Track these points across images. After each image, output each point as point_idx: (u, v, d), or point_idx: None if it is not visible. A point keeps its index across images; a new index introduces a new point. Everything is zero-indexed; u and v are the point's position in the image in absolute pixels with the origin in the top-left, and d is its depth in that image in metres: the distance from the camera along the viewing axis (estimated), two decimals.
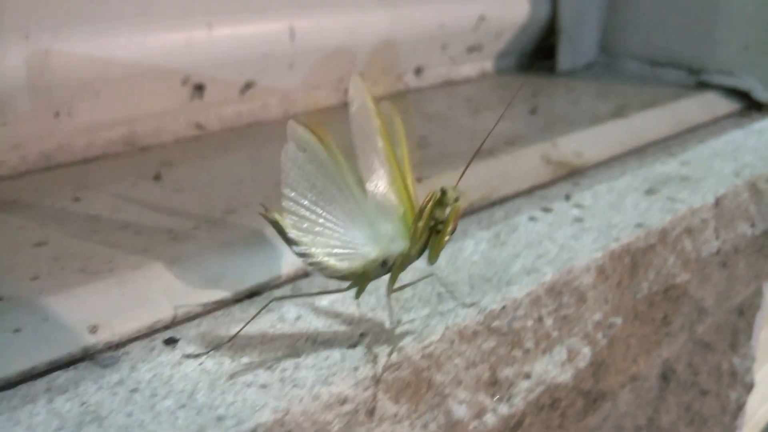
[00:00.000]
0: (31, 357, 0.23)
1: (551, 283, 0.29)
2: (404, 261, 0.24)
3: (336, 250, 0.23)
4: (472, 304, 0.27)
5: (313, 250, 0.23)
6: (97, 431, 0.20)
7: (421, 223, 0.23)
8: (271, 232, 0.30)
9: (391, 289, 0.24)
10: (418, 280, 0.27)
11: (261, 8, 0.48)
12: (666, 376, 0.52)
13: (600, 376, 0.34)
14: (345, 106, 0.58)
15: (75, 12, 0.38)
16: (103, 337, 0.24)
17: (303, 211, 0.23)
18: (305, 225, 0.23)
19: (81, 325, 0.24)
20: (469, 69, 0.65)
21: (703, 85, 0.62)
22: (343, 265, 0.23)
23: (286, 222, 0.23)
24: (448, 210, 0.23)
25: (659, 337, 0.39)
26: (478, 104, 0.54)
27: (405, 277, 0.26)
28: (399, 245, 0.24)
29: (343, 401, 0.22)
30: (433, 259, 0.24)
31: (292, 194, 0.23)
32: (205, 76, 0.45)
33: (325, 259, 0.23)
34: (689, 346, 0.54)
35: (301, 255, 0.23)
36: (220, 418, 0.20)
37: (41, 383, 0.22)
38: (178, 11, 0.43)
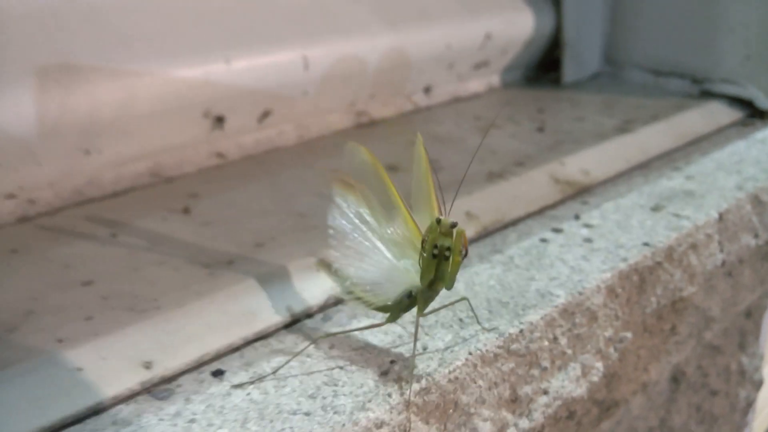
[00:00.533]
0: (95, 393, 0.25)
1: (564, 305, 0.31)
2: (423, 292, 0.26)
3: (369, 287, 0.26)
4: (492, 329, 0.29)
5: (353, 288, 0.25)
6: None
7: (425, 254, 0.25)
8: (297, 266, 0.32)
9: (418, 316, 0.26)
10: (451, 304, 0.29)
11: (275, 40, 0.50)
12: (676, 378, 0.54)
13: (612, 387, 0.36)
14: (357, 127, 0.60)
15: (101, 54, 0.41)
16: (157, 372, 0.26)
17: (344, 254, 0.26)
18: (346, 266, 0.26)
19: (136, 362, 0.26)
20: (476, 85, 0.67)
21: (706, 95, 0.64)
22: (378, 299, 0.26)
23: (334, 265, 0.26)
24: (440, 236, 0.25)
25: (668, 345, 0.41)
26: (486, 122, 0.56)
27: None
28: (407, 279, 0.26)
29: (380, 425, 0.24)
30: (448, 285, 0.25)
31: (335, 242, 0.26)
32: (224, 107, 0.47)
33: (363, 295, 0.25)
34: (698, 351, 0.56)
35: (346, 292, 0.26)
36: None
37: (106, 417, 0.25)
38: (197, 47, 0.46)
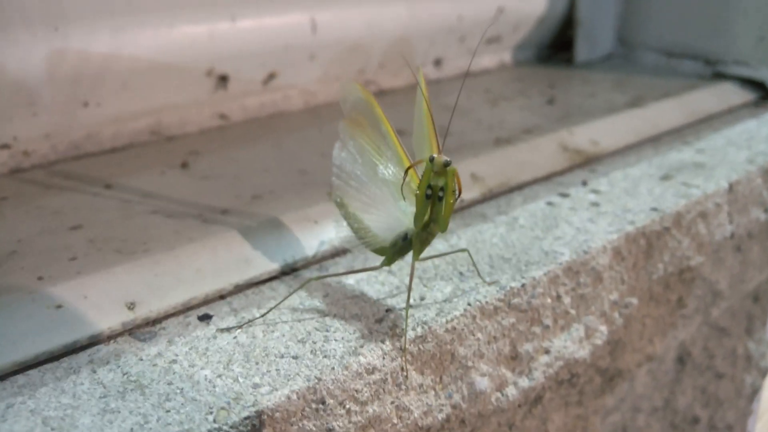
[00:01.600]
0: (74, 331, 0.24)
1: (569, 263, 0.30)
2: (418, 234, 0.25)
3: (368, 226, 0.25)
4: (492, 283, 0.27)
5: (355, 225, 0.26)
6: (140, 398, 0.21)
7: (417, 193, 0.24)
8: (294, 217, 0.31)
9: (413, 260, 0.25)
10: (450, 253, 0.28)
11: (283, 0, 0.49)
12: (682, 359, 0.53)
13: (617, 355, 0.35)
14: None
15: (102, 5, 0.40)
16: (140, 313, 0.25)
17: (347, 191, 0.26)
18: (349, 203, 0.26)
19: (119, 302, 0.25)
20: (487, 60, 0.65)
21: (719, 76, 0.63)
22: (375, 240, 0.25)
23: (343, 201, 0.26)
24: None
25: (674, 318, 0.40)
26: (496, 96, 0.55)
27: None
28: (405, 221, 0.25)
29: (372, 371, 0.23)
30: (441, 227, 0.24)
31: (342, 175, 0.25)
32: (228, 67, 0.46)
33: (363, 233, 0.25)
34: (705, 331, 0.55)
35: (354, 230, 0.26)
36: (255, 386, 0.22)
37: (84, 356, 0.24)
38: (202, 3, 0.44)
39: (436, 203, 0.23)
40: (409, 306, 0.25)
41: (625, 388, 0.49)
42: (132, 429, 0.20)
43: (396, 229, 0.25)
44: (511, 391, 0.28)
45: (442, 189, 0.23)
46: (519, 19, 0.65)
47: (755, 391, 0.65)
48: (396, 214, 0.25)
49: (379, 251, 0.26)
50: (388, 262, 0.26)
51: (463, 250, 0.29)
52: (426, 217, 0.24)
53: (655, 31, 0.68)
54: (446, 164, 0.23)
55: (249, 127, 0.48)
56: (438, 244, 0.31)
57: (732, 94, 0.59)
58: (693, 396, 0.55)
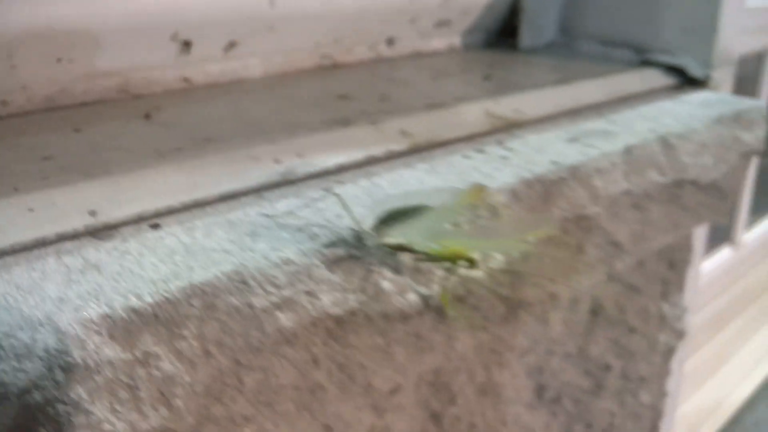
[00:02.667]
0: (43, 229, 0.29)
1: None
2: None
3: None
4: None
5: None
6: (97, 274, 0.26)
7: None
8: (240, 154, 0.37)
9: None
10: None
11: None
12: (595, 311, 0.59)
13: (517, 286, 0.41)
14: (320, 68, 0.64)
15: None
16: (101, 219, 0.30)
17: None
18: None
19: (82, 210, 0.30)
20: (437, 43, 0.71)
21: (646, 63, 0.69)
22: None
23: None
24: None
25: (576, 264, 0.46)
26: (439, 72, 0.61)
27: None
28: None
29: (288, 263, 0.28)
30: None
31: None
32: (192, 33, 0.51)
33: None
34: (618, 288, 0.61)
35: None
36: (190, 268, 0.27)
37: (51, 248, 0.29)
38: None
39: None
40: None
41: (539, 330, 0.55)
42: (88, 292, 0.25)
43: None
44: (411, 296, 0.33)
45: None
46: (468, 4, 0.71)
47: (670, 350, 0.72)
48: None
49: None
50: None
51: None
52: None
53: (593, 21, 0.75)
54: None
55: (210, 91, 0.53)
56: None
57: (654, 79, 0.65)
58: (605, 346, 0.61)
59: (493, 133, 0.48)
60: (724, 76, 0.68)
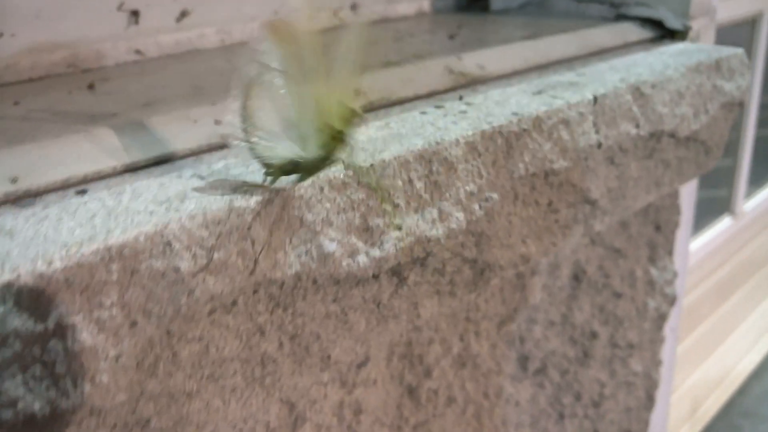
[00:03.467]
0: None
1: (420, 151, 0.33)
2: (313, 164, 0.27)
3: (263, 135, 0.28)
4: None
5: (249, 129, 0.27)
6: (8, 240, 0.24)
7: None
8: (176, 115, 0.35)
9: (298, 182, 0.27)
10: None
11: None
12: (577, 276, 0.57)
13: (483, 248, 0.39)
14: None
15: None
16: (22, 186, 0.28)
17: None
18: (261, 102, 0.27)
19: (3, 177, 0.28)
20: (405, 7, 0.68)
21: (622, 18, 0.67)
22: (265, 152, 0.27)
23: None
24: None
25: (549, 223, 0.44)
26: (403, 34, 0.58)
27: None
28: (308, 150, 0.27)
29: (218, 222, 0.26)
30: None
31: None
32: (139, 2, 0.49)
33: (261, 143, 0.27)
34: (600, 251, 0.59)
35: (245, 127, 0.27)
36: (109, 231, 0.25)
37: None
38: None
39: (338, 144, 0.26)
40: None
41: (517, 297, 0.53)
42: None
43: (289, 151, 0.27)
44: (362, 259, 0.31)
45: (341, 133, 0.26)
46: None
47: (661, 317, 0.70)
48: (295, 137, 0.27)
49: (265, 165, 0.28)
50: (273, 181, 0.28)
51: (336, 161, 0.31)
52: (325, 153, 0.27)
53: None
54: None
55: (164, 62, 0.50)
56: None
57: (630, 32, 0.63)
58: (591, 313, 0.60)
59: (455, 89, 0.46)
60: (704, 28, 0.66)
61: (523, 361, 0.58)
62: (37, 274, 0.22)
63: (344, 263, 0.31)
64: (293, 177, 0.28)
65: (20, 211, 0.27)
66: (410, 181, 0.33)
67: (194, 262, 0.26)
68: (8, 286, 0.22)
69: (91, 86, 0.42)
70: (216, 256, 0.26)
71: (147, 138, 0.33)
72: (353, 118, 0.26)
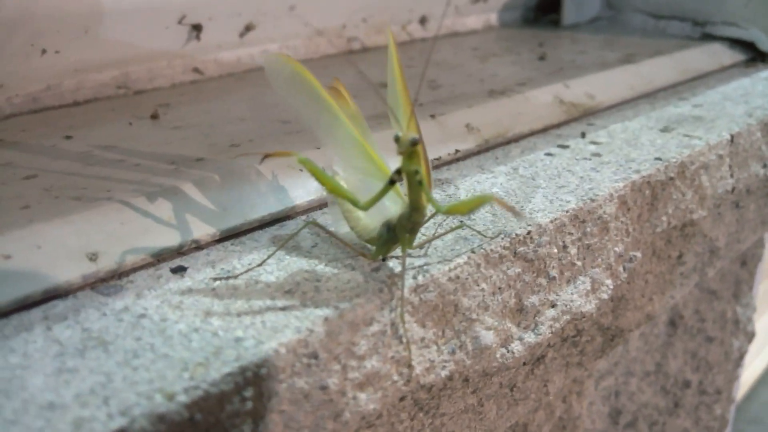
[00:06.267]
0: (25, 285, 0.21)
1: (575, 211, 0.27)
2: (401, 224, 0.22)
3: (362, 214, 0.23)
4: (496, 236, 0.25)
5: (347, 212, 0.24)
6: (103, 356, 0.18)
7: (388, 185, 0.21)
8: (277, 164, 0.28)
9: (404, 251, 0.22)
10: (448, 232, 0.25)
11: None
12: (674, 322, 0.52)
13: (619, 312, 0.33)
14: (349, 53, 0.56)
15: None
16: (104, 265, 0.22)
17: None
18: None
19: (78, 252, 0.22)
20: (474, 21, 0.63)
21: (707, 37, 0.61)
22: (364, 232, 0.23)
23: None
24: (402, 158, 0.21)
25: (674, 276, 0.38)
26: (485, 53, 0.53)
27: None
28: (392, 209, 0.23)
29: (370, 322, 0.20)
30: (423, 212, 0.21)
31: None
32: (202, 14, 0.43)
33: (360, 222, 0.23)
34: (696, 293, 0.53)
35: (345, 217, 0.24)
36: (237, 340, 0.19)
37: (37, 312, 0.21)
38: None
39: (414, 187, 0.21)
40: (402, 307, 0.21)
41: (619, 350, 0.47)
42: (92, 389, 0.17)
43: (382, 219, 0.22)
44: (516, 347, 0.25)
45: (416, 172, 0.20)
46: None
47: (741, 356, 0.65)
48: (378, 204, 0.22)
49: (369, 242, 0.23)
50: (377, 254, 0.22)
51: (460, 226, 0.25)
52: (407, 205, 0.21)
53: None
54: (414, 143, 0.20)
55: (224, 82, 0.44)
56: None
57: (722, 54, 0.57)
58: (684, 360, 0.54)
59: (569, 123, 0.40)
60: None
61: (615, 415, 0.52)
62: (155, 415, 0.16)
63: (498, 354, 0.25)
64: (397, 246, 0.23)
65: (106, 303, 0.21)
66: (565, 247, 0.27)
67: (344, 375, 0.20)
68: None
69: (154, 116, 0.36)
70: (369, 365, 0.20)
71: (247, 193, 0.27)
72: (402, 147, 0.20)
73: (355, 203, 0.21)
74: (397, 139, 0.20)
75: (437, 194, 0.29)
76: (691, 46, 0.57)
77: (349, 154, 0.23)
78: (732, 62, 0.57)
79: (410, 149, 0.20)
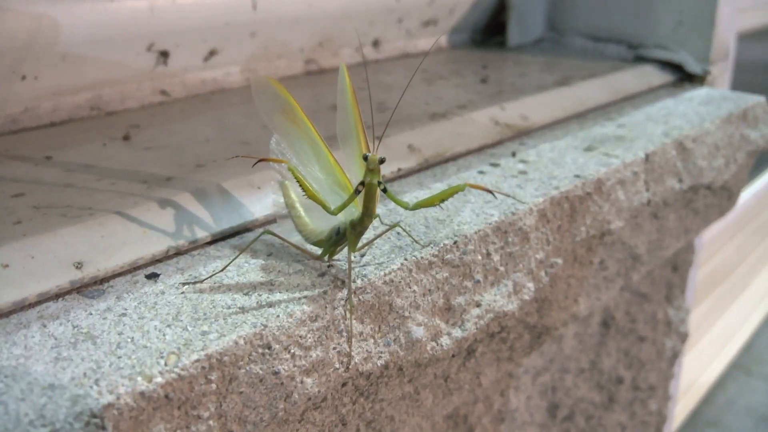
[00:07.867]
0: (22, 289, 0.25)
1: (498, 223, 0.32)
2: (353, 228, 0.26)
3: (310, 218, 0.27)
4: (428, 244, 0.29)
5: (297, 217, 0.27)
6: (92, 347, 0.22)
7: (358, 189, 0.25)
8: (238, 182, 0.32)
9: (350, 253, 0.26)
10: (384, 233, 0.29)
11: None
12: (606, 323, 0.57)
13: (544, 312, 0.38)
14: (306, 74, 0.60)
15: None
16: (88, 272, 0.26)
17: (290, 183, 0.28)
18: (292, 195, 0.28)
19: (66, 262, 0.26)
20: (424, 43, 0.67)
21: (640, 59, 0.67)
22: (312, 235, 0.27)
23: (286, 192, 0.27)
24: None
25: (597, 281, 0.43)
26: (432, 75, 0.57)
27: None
28: (347, 214, 0.27)
29: (315, 318, 0.24)
30: (374, 216, 0.26)
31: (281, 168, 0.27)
32: (169, 42, 0.46)
33: (308, 227, 0.27)
34: (627, 296, 0.59)
35: (294, 220, 0.27)
36: (203, 333, 0.23)
37: (33, 312, 0.24)
38: None
39: (372, 198, 0.25)
40: (351, 299, 0.26)
41: (554, 349, 0.52)
42: (85, 374, 0.21)
43: (330, 224, 0.27)
44: (445, 341, 0.30)
45: (380, 183, 0.25)
46: (454, 3, 0.67)
47: (675, 355, 0.70)
48: (322, 211, 0.26)
49: (317, 244, 0.27)
50: (325, 254, 0.27)
51: (395, 225, 0.30)
52: (360, 212, 0.26)
53: (582, 16, 0.72)
54: (381, 161, 0.25)
55: (190, 103, 0.48)
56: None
57: (652, 76, 0.63)
58: (617, 358, 0.59)
59: (503, 142, 0.44)
60: (720, 71, 0.66)
61: (553, 409, 0.57)
62: (137, 393, 0.20)
63: (429, 347, 0.29)
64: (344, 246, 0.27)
65: (92, 304, 0.25)
66: (488, 254, 0.32)
67: (293, 363, 0.24)
68: (107, 409, 0.20)
69: (126, 137, 0.40)
70: (314, 355, 0.24)
71: (211, 208, 0.30)
72: (371, 164, 0.25)
73: (327, 209, 0.26)
74: (365, 158, 0.25)
75: (378, 209, 0.33)
76: (623, 68, 0.62)
77: (317, 167, 0.28)
78: (660, 83, 0.63)
79: (377, 166, 0.24)
